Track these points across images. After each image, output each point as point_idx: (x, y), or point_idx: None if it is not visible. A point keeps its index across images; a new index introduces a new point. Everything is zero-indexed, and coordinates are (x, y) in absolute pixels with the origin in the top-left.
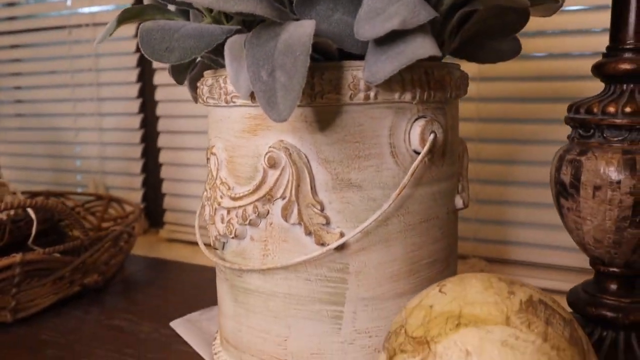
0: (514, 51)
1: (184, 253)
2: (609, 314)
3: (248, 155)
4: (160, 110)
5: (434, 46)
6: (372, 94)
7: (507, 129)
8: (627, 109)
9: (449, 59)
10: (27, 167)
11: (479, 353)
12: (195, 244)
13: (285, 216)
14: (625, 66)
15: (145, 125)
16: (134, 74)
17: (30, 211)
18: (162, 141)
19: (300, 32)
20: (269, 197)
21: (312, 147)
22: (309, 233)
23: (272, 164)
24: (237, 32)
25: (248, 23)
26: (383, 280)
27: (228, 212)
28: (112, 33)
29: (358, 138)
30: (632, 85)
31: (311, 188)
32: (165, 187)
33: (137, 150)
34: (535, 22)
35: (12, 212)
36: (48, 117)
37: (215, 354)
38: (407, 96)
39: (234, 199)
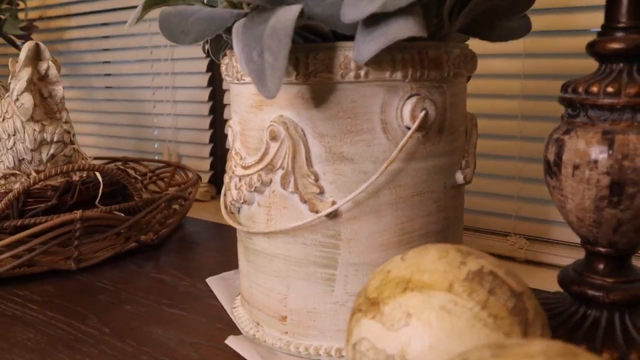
0: (525, 28)
1: None
2: (591, 292)
3: (255, 128)
4: (227, 84)
5: (416, 27)
6: (362, 72)
7: (552, 107)
8: (609, 89)
9: (459, 38)
10: (113, 135)
11: (418, 315)
12: None
13: (284, 185)
14: (615, 45)
15: (214, 98)
16: None
17: (98, 175)
18: (228, 113)
19: (285, 16)
20: (270, 167)
21: (308, 121)
22: (304, 201)
23: (273, 137)
24: (246, 15)
25: (260, 7)
26: (373, 248)
27: (240, 180)
28: (140, 18)
29: (350, 114)
30: (621, 65)
31: (306, 160)
32: None
33: (206, 122)
34: None
35: (84, 174)
36: (131, 90)
37: (234, 307)
38: (398, 75)
39: (245, 167)
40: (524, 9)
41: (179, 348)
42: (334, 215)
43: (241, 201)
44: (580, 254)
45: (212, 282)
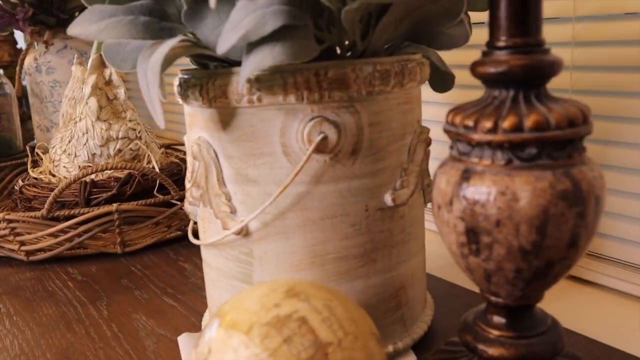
0: (464, 36)
1: None
2: (474, 343)
3: (189, 145)
4: None
5: (283, 54)
6: (255, 98)
7: (606, 103)
8: (467, 122)
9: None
10: None
11: (215, 353)
12: None
13: (203, 202)
14: (490, 69)
15: None
16: None
17: (156, 166)
18: None
19: (160, 50)
20: (196, 185)
21: (219, 143)
22: (218, 219)
23: (195, 156)
24: None
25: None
26: (284, 269)
27: (187, 193)
28: (97, 51)
29: (251, 138)
30: (496, 92)
31: (218, 180)
32: None
33: None
34: None
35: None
36: None
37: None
38: (292, 98)
39: (189, 182)
40: (456, 15)
41: (144, 338)
42: (245, 233)
43: (188, 213)
44: (636, 277)
45: None
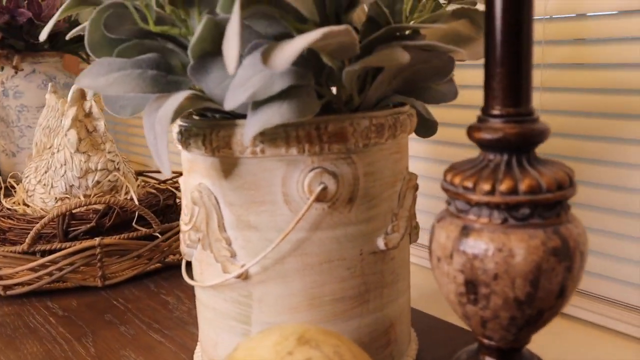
0: (453, 93)
1: None
2: None
3: (188, 190)
4: None
5: (289, 112)
6: (258, 149)
7: (571, 146)
8: (467, 183)
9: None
10: None
11: None
12: None
13: (203, 246)
14: (485, 135)
15: None
16: None
17: (135, 198)
18: None
19: (170, 105)
20: (196, 228)
21: (220, 190)
22: (218, 262)
23: (195, 202)
24: None
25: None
26: (283, 310)
27: (182, 235)
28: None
29: (253, 187)
30: (491, 156)
31: (219, 225)
32: None
33: None
34: (609, 27)
35: (127, 198)
36: None
37: (199, 342)
38: (293, 151)
39: (185, 224)
40: (446, 74)
41: None
42: (245, 277)
43: (183, 254)
44: (615, 311)
45: None
